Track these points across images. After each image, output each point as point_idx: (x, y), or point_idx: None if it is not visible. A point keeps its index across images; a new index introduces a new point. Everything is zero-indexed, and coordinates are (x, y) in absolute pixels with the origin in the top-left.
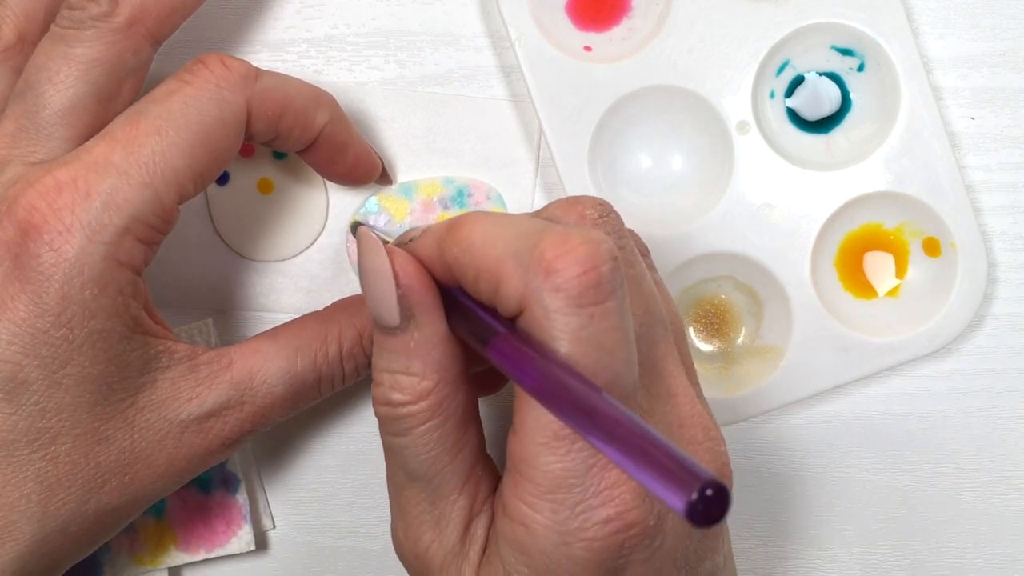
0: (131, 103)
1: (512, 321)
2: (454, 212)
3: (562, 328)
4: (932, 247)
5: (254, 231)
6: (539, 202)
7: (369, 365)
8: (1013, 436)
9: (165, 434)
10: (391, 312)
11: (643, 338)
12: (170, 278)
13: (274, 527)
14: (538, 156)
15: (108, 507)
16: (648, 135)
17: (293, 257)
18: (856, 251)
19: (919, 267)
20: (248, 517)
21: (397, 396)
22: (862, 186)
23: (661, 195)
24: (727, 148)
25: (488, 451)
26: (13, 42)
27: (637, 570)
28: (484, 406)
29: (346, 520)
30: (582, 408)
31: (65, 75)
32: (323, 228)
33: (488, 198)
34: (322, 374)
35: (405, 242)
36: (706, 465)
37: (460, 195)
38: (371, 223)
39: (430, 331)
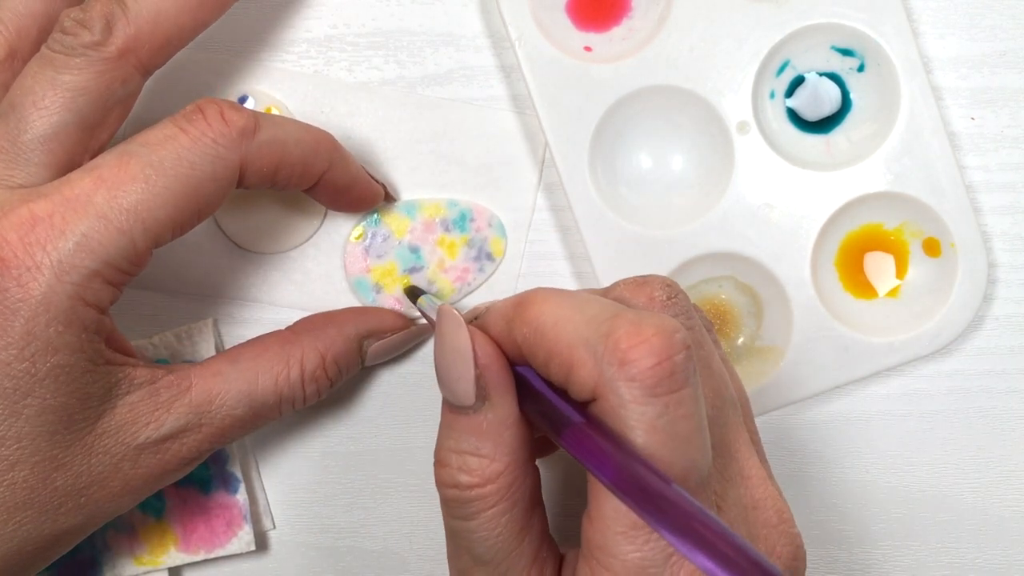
0: (116, 131)
1: (583, 404)
2: (455, 235)
3: (638, 418)
4: (932, 247)
5: (253, 223)
6: (540, 205)
7: (331, 386)
8: (1013, 436)
9: (122, 457)
10: (467, 392)
11: (714, 421)
12: (166, 262)
13: (274, 527)
14: (542, 167)
15: (64, 527)
16: (648, 135)
17: (289, 251)
18: (856, 251)
19: (919, 267)
20: (248, 517)
21: (465, 478)
22: (862, 186)
23: (661, 195)
24: (727, 148)
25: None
26: (3, 58)
27: None
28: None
29: (346, 520)
30: (661, 504)
31: (50, 101)
32: (321, 224)
33: (490, 225)
34: (283, 396)
35: (472, 318)
36: (782, 548)
37: (462, 219)
38: (371, 236)
39: (504, 412)
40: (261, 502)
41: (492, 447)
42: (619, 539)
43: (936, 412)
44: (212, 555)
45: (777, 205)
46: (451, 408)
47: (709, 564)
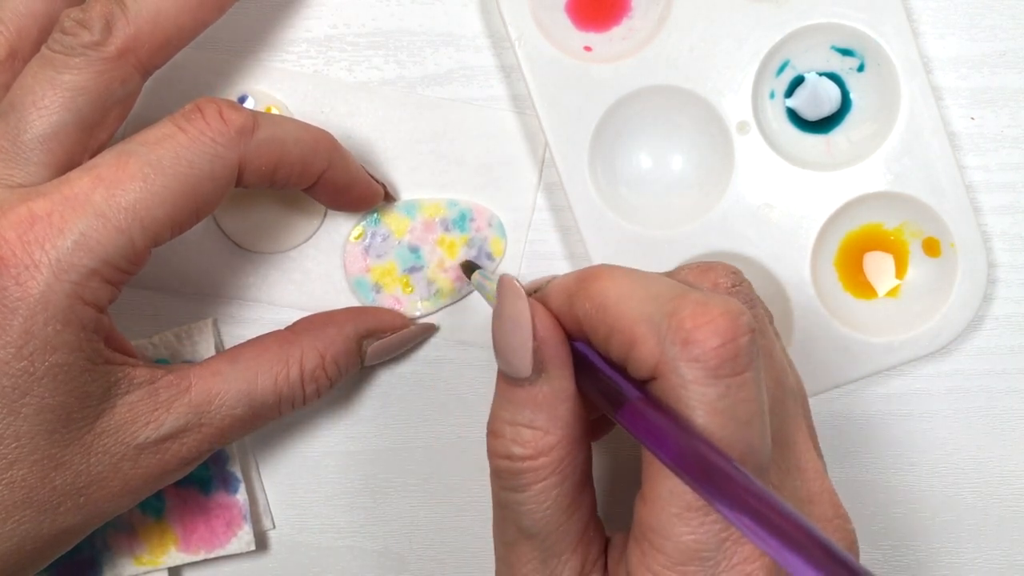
0: (116, 131)
1: (642, 383)
2: (454, 234)
3: (699, 399)
4: (932, 247)
5: (253, 222)
6: (540, 205)
7: (331, 385)
8: (1013, 436)
9: (122, 457)
10: (524, 363)
11: (775, 410)
12: (166, 260)
13: (274, 527)
14: (542, 168)
15: (63, 527)
16: (648, 135)
17: (289, 251)
18: (856, 251)
19: (919, 267)
20: (248, 517)
21: (519, 450)
22: (862, 186)
23: (661, 195)
24: (727, 148)
25: None
26: (3, 58)
27: None
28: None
29: (346, 520)
30: (723, 483)
31: (50, 100)
32: (321, 224)
33: (490, 224)
34: (282, 396)
35: (533, 290)
36: (838, 543)
37: (462, 219)
38: (370, 235)
39: (560, 386)
40: (261, 502)
41: (546, 420)
42: (674, 521)
43: (936, 412)
44: (212, 555)
45: (777, 205)
46: (507, 380)
47: (773, 543)
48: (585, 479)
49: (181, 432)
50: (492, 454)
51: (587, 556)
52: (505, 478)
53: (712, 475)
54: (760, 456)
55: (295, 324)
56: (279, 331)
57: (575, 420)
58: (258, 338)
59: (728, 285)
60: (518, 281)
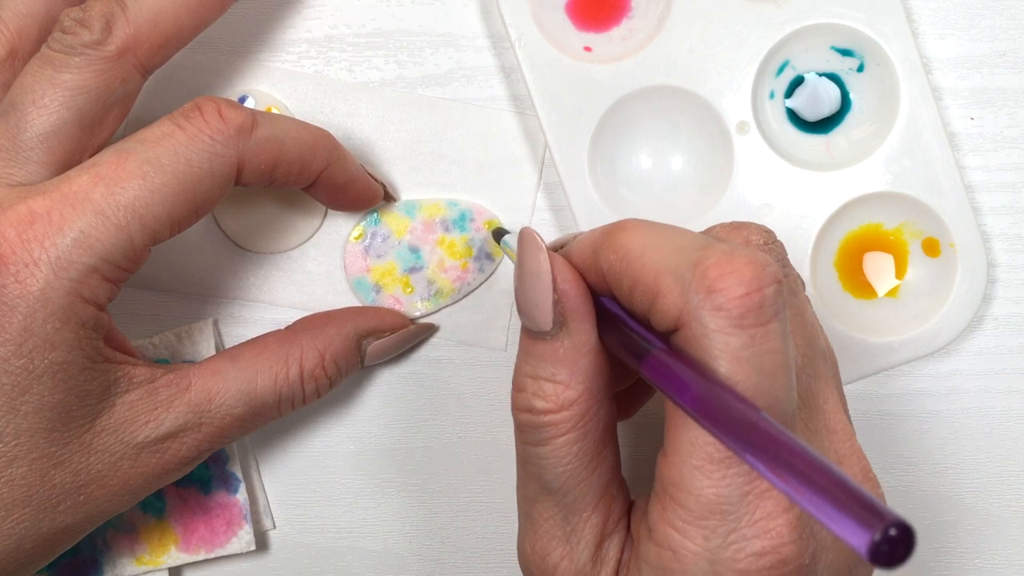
0: (116, 130)
1: (666, 336)
2: (454, 235)
3: (722, 348)
4: (932, 247)
5: (253, 222)
6: (540, 205)
7: (331, 385)
8: (1013, 436)
9: (121, 456)
10: (545, 317)
11: (804, 370)
12: (166, 260)
13: (274, 527)
14: (542, 168)
15: (62, 525)
16: (648, 135)
17: (289, 251)
18: (856, 251)
19: (919, 267)
20: (248, 517)
21: (540, 403)
22: (862, 186)
23: (661, 195)
24: (727, 148)
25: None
26: (3, 57)
27: None
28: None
29: (346, 520)
30: (746, 429)
31: (50, 100)
32: (321, 224)
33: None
34: (282, 395)
35: (559, 246)
36: None
37: (462, 219)
38: (370, 236)
39: (581, 340)
40: (261, 502)
41: (568, 374)
42: (695, 473)
43: (936, 412)
44: (212, 555)
45: (777, 205)
46: (529, 334)
47: (804, 492)
48: (608, 435)
49: (181, 431)
50: (515, 408)
51: (609, 514)
52: (527, 432)
53: (734, 421)
54: (785, 408)
55: (295, 324)
56: (279, 331)
57: (597, 375)
58: (258, 338)
59: (760, 243)
60: (539, 235)
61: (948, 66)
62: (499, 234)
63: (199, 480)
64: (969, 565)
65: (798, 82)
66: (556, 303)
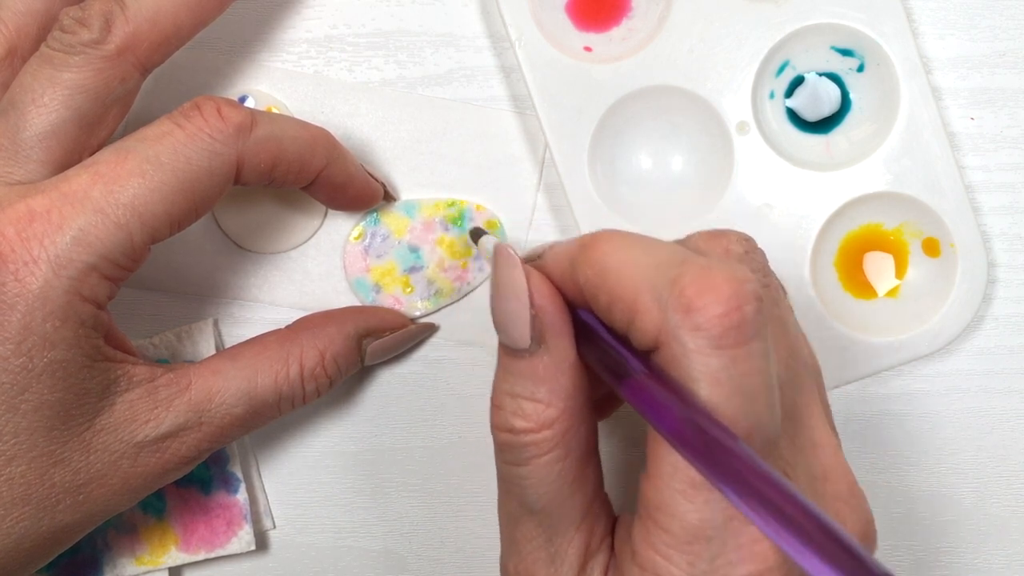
0: (115, 129)
1: (645, 354)
2: (454, 234)
3: (701, 370)
4: (932, 247)
5: (253, 222)
6: (540, 206)
7: (331, 384)
8: (1012, 436)
9: (121, 455)
10: (522, 334)
11: (788, 384)
12: (166, 260)
13: (274, 527)
14: (542, 168)
15: (62, 524)
16: (648, 135)
17: (289, 251)
18: (856, 251)
19: (919, 267)
20: (248, 517)
21: (520, 423)
22: (862, 186)
23: (661, 195)
24: (727, 148)
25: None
26: (3, 56)
27: None
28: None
29: (346, 520)
30: (724, 459)
31: (49, 99)
32: (321, 224)
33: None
34: (282, 394)
35: (533, 258)
36: (853, 524)
37: (462, 219)
38: (370, 236)
39: (560, 356)
40: (261, 502)
41: (547, 392)
42: (677, 497)
43: (936, 412)
44: (212, 555)
45: (777, 205)
46: (507, 351)
47: (774, 526)
48: (590, 453)
49: (181, 430)
50: (494, 427)
51: (592, 534)
52: (507, 452)
53: (712, 450)
54: (768, 430)
55: (295, 323)
56: (279, 330)
57: (577, 392)
58: (258, 337)
59: (740, 252)
60: (513, 249)
61: (948, 66)
62: (476, 234)
63: (199, 480)
64: (969, 565)
65: (798, 82)
66: (534, 319)
